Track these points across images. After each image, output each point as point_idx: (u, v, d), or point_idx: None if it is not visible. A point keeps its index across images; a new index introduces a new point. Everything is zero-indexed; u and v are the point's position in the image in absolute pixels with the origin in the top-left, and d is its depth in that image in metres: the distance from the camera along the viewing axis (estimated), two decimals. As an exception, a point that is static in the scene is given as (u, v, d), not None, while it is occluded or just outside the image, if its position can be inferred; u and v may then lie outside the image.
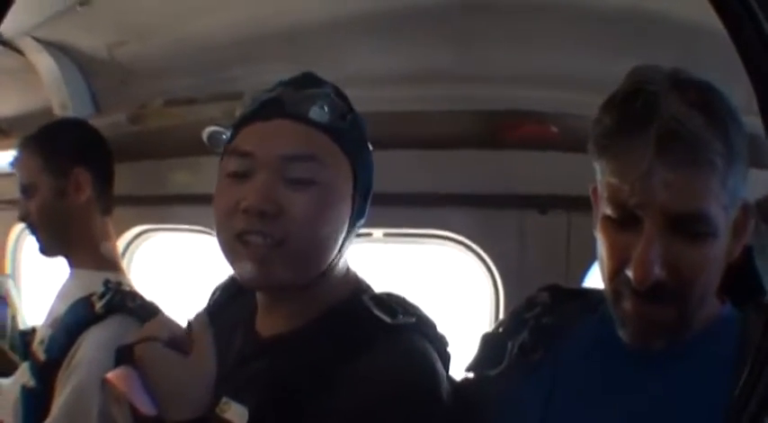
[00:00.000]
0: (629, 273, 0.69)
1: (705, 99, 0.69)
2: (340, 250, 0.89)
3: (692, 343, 0.74)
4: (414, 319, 0.93)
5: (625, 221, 0.70)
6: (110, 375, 0.79)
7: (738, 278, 0.79)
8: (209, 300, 1.09)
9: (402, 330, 0.90)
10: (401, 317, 0.92)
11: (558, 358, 0.82)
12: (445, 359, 0.97)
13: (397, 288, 1.01)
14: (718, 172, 0.68)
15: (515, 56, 1.28)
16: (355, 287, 0.96)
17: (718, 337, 0.75)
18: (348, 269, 0.97)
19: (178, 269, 1.58)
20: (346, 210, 0.89)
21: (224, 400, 0.84)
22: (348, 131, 0.90)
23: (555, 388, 0.79)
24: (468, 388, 0.90)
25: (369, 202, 0.96)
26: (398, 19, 1.27)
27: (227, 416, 0.83)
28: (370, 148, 0.94)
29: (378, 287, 1.01)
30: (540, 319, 0.86)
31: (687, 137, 0.66)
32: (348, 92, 1.31)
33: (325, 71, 1.37)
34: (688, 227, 0.68)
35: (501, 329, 0.91)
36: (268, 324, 0.95)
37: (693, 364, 0.74)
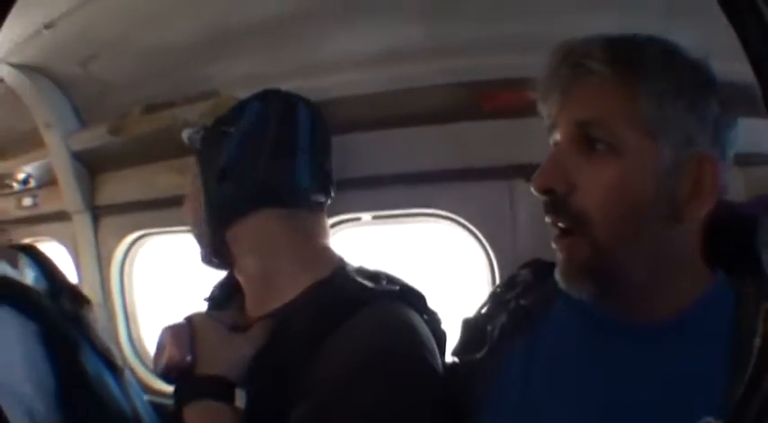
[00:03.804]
0: None
1: (619, 44, 0.72)
2: None
3: (679, 318, 0.71)
4: (397, 288, 0.94)
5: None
6: (166, 326, 0.94)
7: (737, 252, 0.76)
8: (209, 297, 1.11)
9: (385, 298, 0.92)
10: (384, 283, 0.93)
11: (536, 338, 0.80)
12: (440, 336, 0.97)
13: (392, 269, 1.01)
14: (621, 91, 0.69)
15: (485, 24, 1.25)
16: (339, 263, 0.98)
17: (709, 311, 0.71)
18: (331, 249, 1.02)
19: (176, 269, 1.59)
20: None
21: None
22: None
23: (533, 368, 0.78)
24: (454, 373, 0.89)
25: None
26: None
27: (237, 402, 0.88)
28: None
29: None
30: (518, 300, 0.85)
31: (582, 56, 0.72)
32: (324, 78, 1.31)
33: (298, 59, 1.37)
34: (587, 137, 0.70)
35: (481, 312, 0.90)
36: (257, 305, 0.97)
37: (680, 339, 0.70)
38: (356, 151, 1.28)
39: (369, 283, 0.93)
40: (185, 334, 0.91)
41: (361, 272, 0.97)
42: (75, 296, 1.19)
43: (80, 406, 1.04)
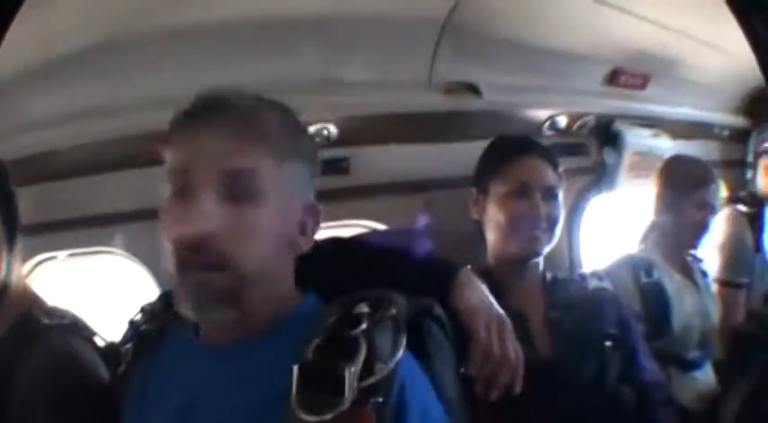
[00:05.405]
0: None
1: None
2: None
3: (262, 334, 0.84)
4: (66, 321, 1.19)
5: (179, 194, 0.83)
6: None
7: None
8: None
9: (55, 331, 1.15)
10: (57, 318, 1.18)
11: (152, 358, 0.97)
12: (105, 357, 1.20)
13: (79, 300, 1.26)
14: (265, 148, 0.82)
15: (150, 85, 1.45)
16: (34, 300, 1.24)
17: (291, 329, 0.82)
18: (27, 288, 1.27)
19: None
20: None
21: None
22: None
23: (148, 383, 0.94)
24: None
25: None
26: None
27: None
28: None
29: (60, 302, 1.27)
30: (140, 327, 1.02)
31: (231, 113, 0.82)
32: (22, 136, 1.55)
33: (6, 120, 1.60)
34: (234, 185, 0.80)
35: (121, 336, 1.07)
36: None
37: (258, 355, 0.82)
38: (56, 198, 1.54)
39: (45, 319, 1.17)
40: None
41: (42, 308, 1.21)
42: None
43: None
